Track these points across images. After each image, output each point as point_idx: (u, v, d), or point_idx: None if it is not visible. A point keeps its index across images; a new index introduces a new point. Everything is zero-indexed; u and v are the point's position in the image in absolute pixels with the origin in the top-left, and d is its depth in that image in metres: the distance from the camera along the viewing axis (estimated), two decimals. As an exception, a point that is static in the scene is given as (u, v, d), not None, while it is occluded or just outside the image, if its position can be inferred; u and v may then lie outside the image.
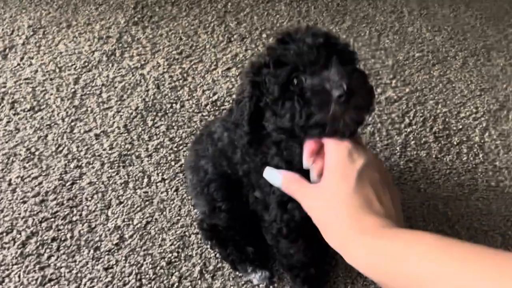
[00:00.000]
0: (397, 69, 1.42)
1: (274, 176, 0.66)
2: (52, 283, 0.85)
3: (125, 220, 0.96)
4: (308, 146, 0.62)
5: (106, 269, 0.88)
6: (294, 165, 0.68)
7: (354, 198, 0.56)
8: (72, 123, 1.14)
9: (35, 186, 1.00)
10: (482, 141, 1.21)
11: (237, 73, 1.34)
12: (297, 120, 0.60)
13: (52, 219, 0.95)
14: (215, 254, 0.91)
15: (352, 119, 0.59)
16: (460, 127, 1.25)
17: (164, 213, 0.98)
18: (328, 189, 0.58)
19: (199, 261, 0.90)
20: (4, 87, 1.22)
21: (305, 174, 0.66)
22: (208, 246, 0.92)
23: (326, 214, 0.57)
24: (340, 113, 0.57)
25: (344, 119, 0.58)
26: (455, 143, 1.20)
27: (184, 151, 1.10)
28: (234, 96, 1.25)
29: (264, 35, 1.49)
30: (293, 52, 0.60)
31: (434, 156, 1.16)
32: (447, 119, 1.26)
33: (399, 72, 1.41)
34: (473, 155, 1.17)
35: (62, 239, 0.92)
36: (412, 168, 1.12)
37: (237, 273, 0.89)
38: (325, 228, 0.58)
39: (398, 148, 1.16)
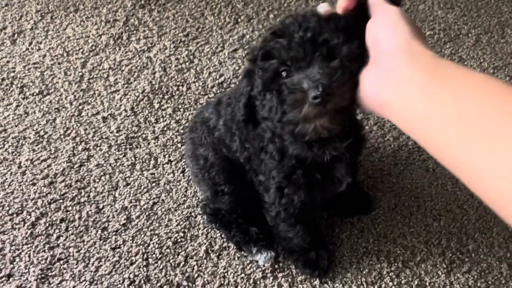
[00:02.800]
0: (407, 48, 1.39)
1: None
2: (61, 262, 0.87)
3: (132, 201, 0.97)
4: None
5: (113, 249, 0.89)
6: (288, 154, 0.70)
7: (409, 24, 0.51)
8: (80, 107, 1.15)
9: (44, 168, 1.02)
10: (494, 120, 1.19)
11: (244, 55, 1.32)
12: (273, 114, 0.60)
13: (61, 201, 0.97)
14: (221, 234, 0.92)
15: (324, 127, 0.58)
16: (471, 106, 1.22)
17: (171, 194, 0.99)
18: (392, 13, 0.52)
19: (204, 241, 0.91)
20: (13, 71, 1.23)
21: (300, 166, 0.70)
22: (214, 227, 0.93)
23: (384, 31, 0.51)
24: (312, 115, 0.56)
25: (315, 124, 0.57)
26: (465, 122, 1.17)
27: (190, 133, 1.10)
28: (241, 78, 1.24)
29: (271, 16, 1.47)
30: (281, 46, 0.58)
31: (443, 135, 1.13)
32: (458, 98, 1.23)
33: (409, 51, 1.37)
34: (484, 134, 1.15)
35: (71, 220, 0.94)
36: (420, 147, 1.10)
37: (242, 252, 0.90)
38: (379, 47, 0.52)
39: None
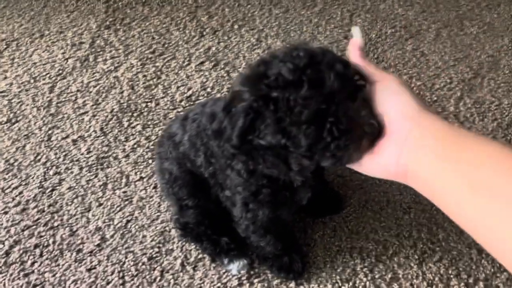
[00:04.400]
0: (370, 47, 1.42)
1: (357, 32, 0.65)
2: (37, 288, 0.87)
3: (106, 221, 0.98)
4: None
5: (89, 270, 0.90)
6: (257, 174, 0.70)
7: (411, 90, 0.54)
8: (49, 131, 1.16)
9: (16, 196, 1.02)
10: (457, 110, 1.22)
11: (210, 67, 1.34)
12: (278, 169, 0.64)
13: (34, 227, 0.97)
14: (196, 246, 0.93)
15: None
16: (435, 98, 1.25)
17: (144, 210, 0.99)
18: (392, 81, 0.56)
19: (180, 254, 0.92)
20: (-19, 102, 1.23)
21: (269, 185, 0.71)
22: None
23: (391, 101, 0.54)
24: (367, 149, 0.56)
25: None
26: (430, 115, 1.20)
27: (160, 148, 1.11)
28: (209, 90, 1.26)
29: (236, 26, 1.50)
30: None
31: (409, 130, 1.16)
32: (421, 92, 1.27)
33: (372, 50, 1.41)
34: (449, 125, 1.18)
35: (45, 245, 0.94)
36: (387, 143, 1.13)
37: (217, 262, 0.91)
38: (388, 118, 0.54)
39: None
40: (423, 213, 0.99)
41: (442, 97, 1.25)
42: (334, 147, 0.56)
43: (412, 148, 0.49)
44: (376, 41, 1.44)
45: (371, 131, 0.54)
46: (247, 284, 0.87)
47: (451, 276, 0.88)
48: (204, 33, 1.47)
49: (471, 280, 0.88)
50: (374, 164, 0.55)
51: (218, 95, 1.26)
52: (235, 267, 0.88)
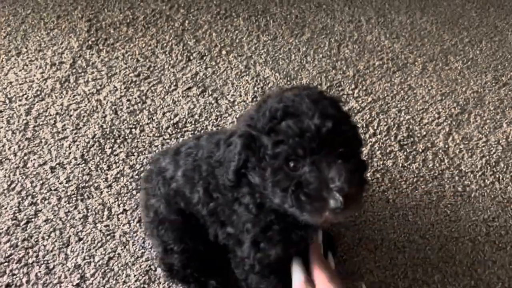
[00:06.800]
0: (358, 78, 1.42)
1: (297, 272, 0.72)
2: (8, 334, 0.79)
3: (86, 257, 0.91)
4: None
5: (66, 314, 0.83)
6: (266, 208, 0.66)
7: None
8: (25, 157, 1.08)
9: (-14, 228, 0.94)
10: (446, 146, 1.22)
11: (198, 93, 1.30)
12: (287, 206, 0.58)
13: (6, 264, 0.89)
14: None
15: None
16: (424, 133, 1.25)
17: (127, 246, 0.93)
18: None
19: (166, 295, 0.86)
20: (-51, 123, 1.15)
21: (278, 222, 0.68)
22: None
23: None
24: (331, 219, 0.56)
25: (327, 218, 0.56)
26: (420, 150, 1.20)
27: (146, 179, 1.05)
28: (197, 117, 1.22)
29: (224, 52, 1.47)
30: (293, 133, 0.55)
31: (400, 164, 1.15)
32: (410, 126, 1.27)
33: (360, 81, 1.41)
34: (439, 161, 1.18)
35: (17, 284, 0.86)
36: (379, 178, 1.11)
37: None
38: None
39: (364, 159, 1.15)
40: (418, 253, 0.97)
41: (431, 132, 1.26)
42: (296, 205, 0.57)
43: None
44: (364, 72, 1.44)
45: (335, 207, 0.53)
46: (239, 330, 0.82)
47: (449, 321, 0.86)
48: (191, 57, 1.44)
49: (469, 326, 0.86)
50: None
51: (206, 122, 1.21)
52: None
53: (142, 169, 1.07)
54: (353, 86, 1.38)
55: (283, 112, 0.58)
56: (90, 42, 1.45)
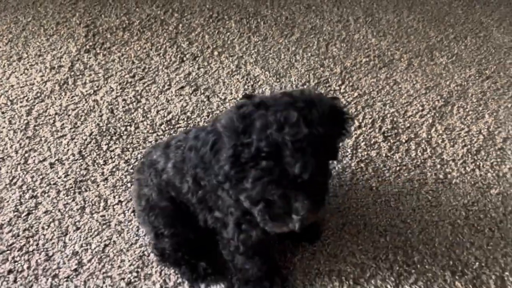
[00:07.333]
0: (345, 75, 1.47)
1: None
2: (10, 315, 0.85)
3: (83, 245, 0.96)
4: None
5: (65, 296, 0.88)
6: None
7: None
8: (26, 154, 1.14)
9: (-11, 220, 1.00)
10: (429, 136, 1.27)
11: (190, 91, 1.36)
12: (254, 212, 0.69)
13: (8, 251, 0.94)
14: (174, 271, 0.92)
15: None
16: (408, 125, 1.30)
17: (122, 234, 0.99)
18: None
19: (158, 278, 0.91)
20: (-45, 124, 1.21)
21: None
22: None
23: None
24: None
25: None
26: (403, 140, 1.25)
27: (140, 172, 1.11)
28: (189, 114, 1.27)
29: (216, 53, 1.53)
30: (275, 175, 0.62)
31: (384, 155, 1.20)
32: (395, 119, 1.32)
33: (347, 78, 1.46)
34: (421, 151, 1.22)
35: (19, 270, 0.91)
36: (363, 168, 1.16)
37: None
38: None
39: (349, 150, 1.20)
40: (399, 236, 1.02)
41: (414, 124, 1.30)
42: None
43: None
44: (351, 69, 1.50)
45: (293, 228, 0.67)
46: (227, 308, 0.87)
47: (427, 297, 0.90)
48: (184, 58, 1.50)
49: (445, 302, 0.90)
50: None
51: (198, 119, 1.27)
52: (211, 292, 0.88)
53: (136, 163, 1.13)
54: (340, 82, 1.43)
55: (267, 154, 0.62)
56: (87, 47, 1.52)
